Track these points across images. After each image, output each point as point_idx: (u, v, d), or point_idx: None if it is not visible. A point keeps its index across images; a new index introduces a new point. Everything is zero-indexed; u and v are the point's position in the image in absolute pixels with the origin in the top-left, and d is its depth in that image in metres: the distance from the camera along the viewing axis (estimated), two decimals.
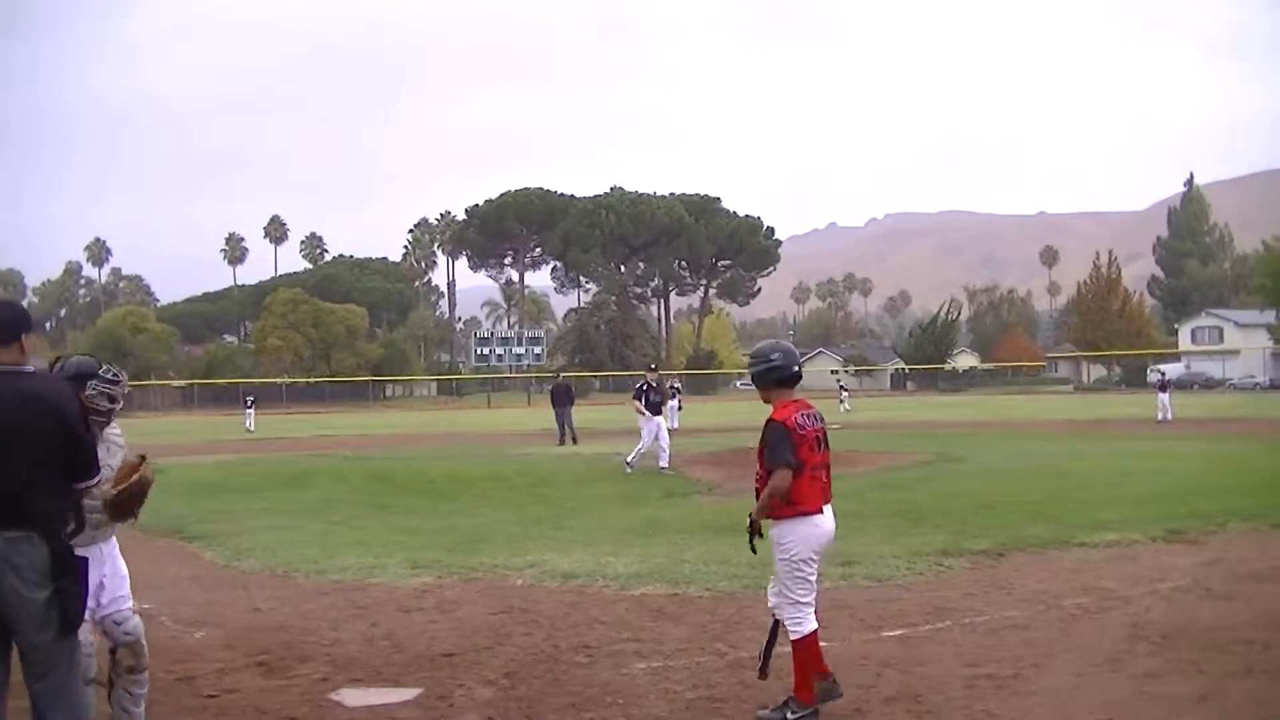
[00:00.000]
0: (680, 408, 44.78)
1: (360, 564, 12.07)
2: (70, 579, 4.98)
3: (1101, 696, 6.77)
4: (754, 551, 6.82)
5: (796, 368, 6.91)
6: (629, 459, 22.78)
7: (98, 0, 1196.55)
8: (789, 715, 6.53)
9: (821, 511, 6.61)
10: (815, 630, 6.59)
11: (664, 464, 22.81)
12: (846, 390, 68.08)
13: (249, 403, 58.23)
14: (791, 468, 6.45)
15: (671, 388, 45.59)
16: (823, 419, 6.83)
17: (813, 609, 6.62)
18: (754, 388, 7.03)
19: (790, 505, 6.50)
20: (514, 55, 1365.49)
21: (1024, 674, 7.29)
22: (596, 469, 24.16)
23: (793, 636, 6.56)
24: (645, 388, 24.36)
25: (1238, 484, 17.42)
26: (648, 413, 23.45)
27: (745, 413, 49.86)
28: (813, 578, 6.63)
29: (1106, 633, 8.31)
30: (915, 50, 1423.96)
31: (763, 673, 6.78)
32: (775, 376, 6.83)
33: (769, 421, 6.66)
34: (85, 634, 5.77)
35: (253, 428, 53.18)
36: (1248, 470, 20.11)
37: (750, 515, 6.65)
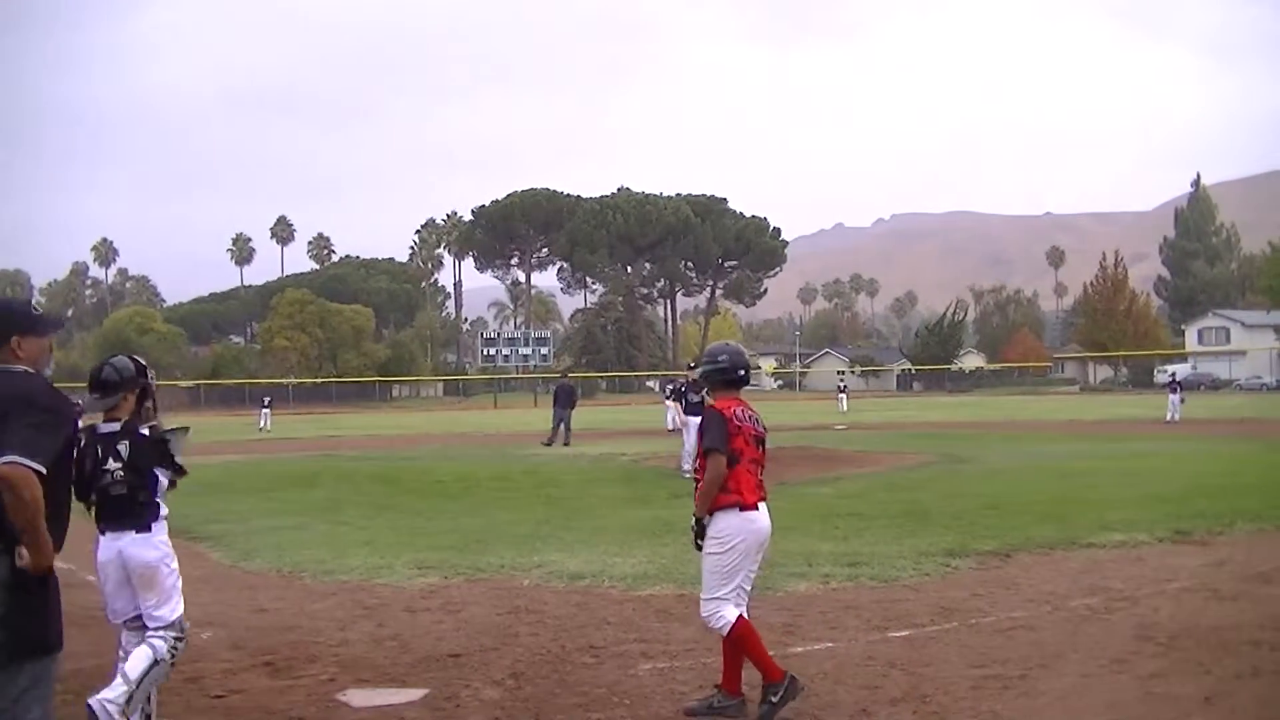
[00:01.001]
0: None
1: (367, 564, 12.07)
2: (27, 596, 4.62)
3: (1108, 697, 6.77)
4: (700, 549, 6.77)
5: (742, 370, 7.02)
6: (684, 467, 21.79)
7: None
8: (715, 704, 6.68)
9: (757, 508, 6.62)
10: (741, 615, 6.60)
11: (687, 466, 22.09)
12: (844, 391, 68.61)
13: (266, 403, 58.42)
14: (724, 454, 6.52)
15: (673, 387, 45.56)
16: (763, 424, 6.90)
17: (732, 603, 6.59)
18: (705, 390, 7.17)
19: (729, 493, 6.54)
20: (521, 56, 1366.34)
21: (1031, 675, 7.29)
22: (603, 469, 24.18)
23: (723, 631, 6.60)
24: (684, 388, 23.03)
25: (1244, 485, 17.43)
26: (685, 417, 22.30)
27: None
28: (734, 574, 6.59)
29: (1113, 633, 8.30)
30: (922, 51, 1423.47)
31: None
32: (721, 378, 6.96)
33: (707, 408, 6.83)
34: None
35: (269, 427, 53.43)
36: (1254, 471, 20.11)
37: (694, 515, 6.71)
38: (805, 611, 9.29)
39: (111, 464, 6.04)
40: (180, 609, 6.23)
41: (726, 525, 6.56)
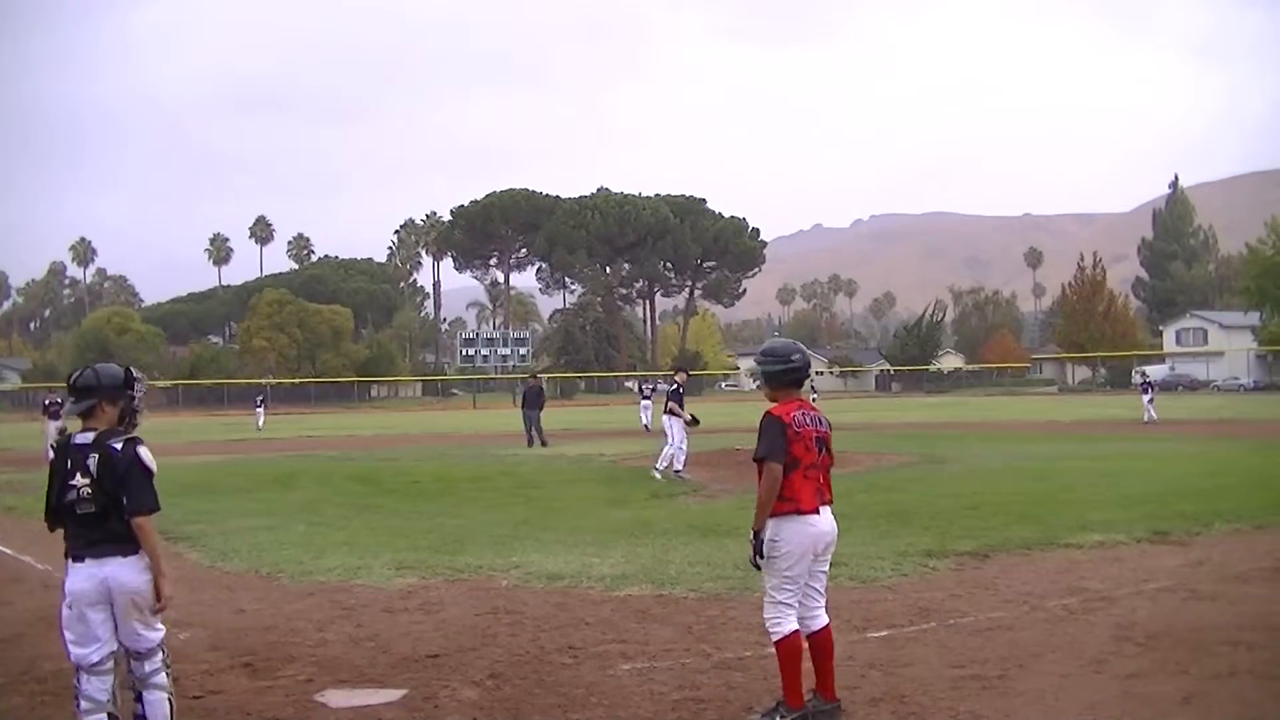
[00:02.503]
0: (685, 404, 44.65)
1: (345, 565, 12.03)
2: None
3: (1087, 697, 6.78)
4: (758, 569, 6.58)
5: (809, 368, 6.91)
6: (678, 469, 21.81)
7: (85, 1, 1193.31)
8: (779, 719, 6.48)
9: (818, 511, 6.47)
10: (797, 631, 6.45)
11: (679, 466, 22.12)
12: (816, 392, 68.85)
13: (259, 401, 58.53)
14: (780, 462, 6.36)
15: (650, 387, 45.70)
16: (826, 423, 6.72)
17: (794, 611, 6.48)
18: (757, 387, 6.92)
19: (787, 501, 6.37)
20: (501, 57, 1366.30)
21: (1009, 675, 7.29)
22: (582, 470, 24.16)
23: (773, 638, 6.46)
24: (679, 390, 23.34)
25: (1223, 485, 17.49)
26: (684, 415, 22.60)
27: (731, 414, 49.91)
28: (799, 580, 6.46)
29: (1092, 634, 8.32)
30: (902, 52, 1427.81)
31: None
32: (790, 378, 6.73)
33: (765, 414, 6.57)
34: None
35: (262, 426, 53.51)
36: (1232, 472, 20.18)
37: (753, 529, 6.47)
38: None
39: (79, 479, 5.66)
40: (162, 628, 5.92)
41: (781, 530, 6.40)
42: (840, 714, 6.58)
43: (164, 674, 5.84)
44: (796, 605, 6.51)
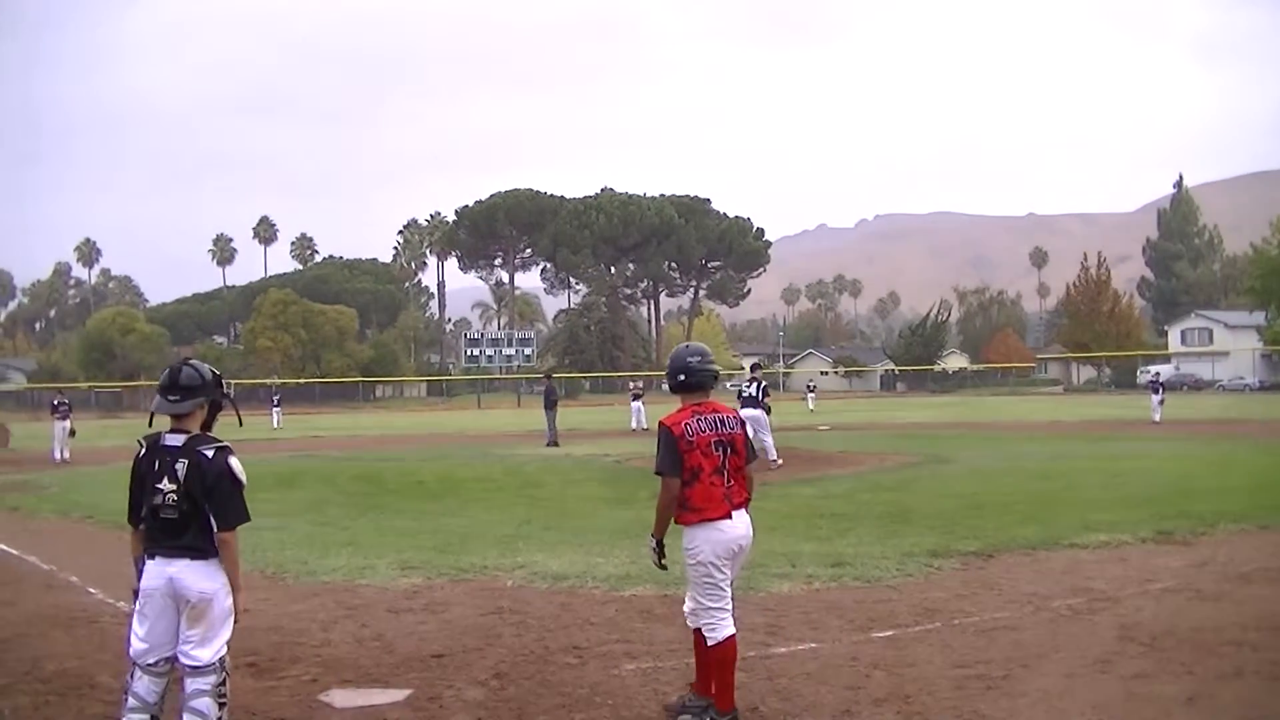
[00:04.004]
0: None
1: (350, 565, 12.04)
2: None
3: (1091, 698, 6.78)
4: (664, 569, 6.77)
5: (704, 371, 6.77)
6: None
7: (87, 1, 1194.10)
8: (686, 703, 6.62)
9: (729, 517, 6.50)
10: (733, 635, 6.53)
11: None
12: (813, 391, 69.34)
13: (276, 401, 58.63)
14: (675, 476, 6.42)
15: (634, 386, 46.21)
16: (731, 423, 6.66)
17: (728, 614, 6.55)
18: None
19: (693, 511, 6.44)
20: (505, 57, 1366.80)
21: (1014, 675, 7.29)
22: (586, 470, 24.15)
23: (709, 642, 6.52)
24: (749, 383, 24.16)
25: (1227, 485, 17.48)
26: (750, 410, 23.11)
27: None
28: (724, 584, 6.55)
29: (1096, 634, 8.31)
30: (905, 53, 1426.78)
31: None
32: (688, 383, 6.74)
33: (660, 423, 6.65)
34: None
35: (279, 425, 53.68)
36: (1237, 472, 20.17)
37: (651, 534, 6.63)
38: (788, 612, 9.28)
39: (166, 484, 5.50)
40: (224, 649, 5.63)
41: (695, 539, 6.49)
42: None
43: (209, 699, 5.52)
44: (730, 607, 6.59)
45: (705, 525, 6.45)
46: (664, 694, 7.06)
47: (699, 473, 6.44)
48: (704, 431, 6.52)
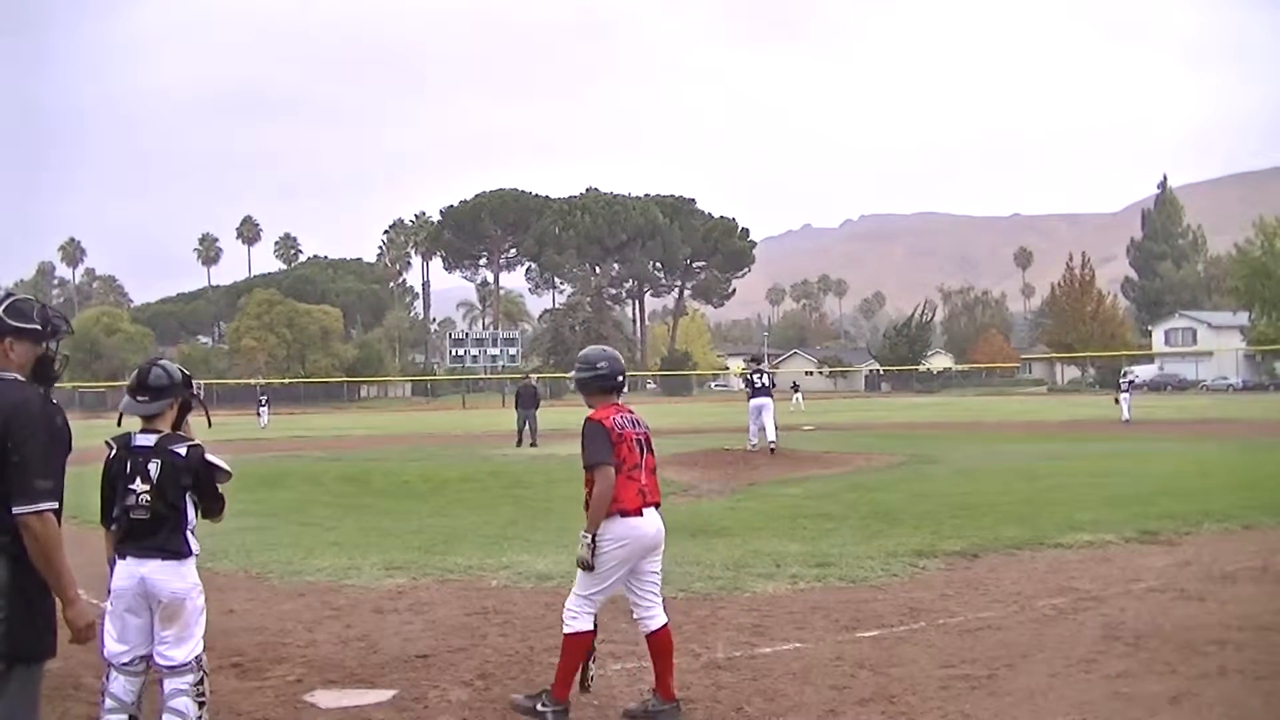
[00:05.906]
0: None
1: (335, 565, 12.02)
2: (26, 601, 4.65)
3: (1075, 697, 6.79)
4: (592, 569, 6.53)
5: (620, 376, 6.93)
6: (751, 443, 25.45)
7: (74, 3, 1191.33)
8: (539, 707, 6.56)
9: (641, 513, 6.53)
10: (591, 632, 6.56)
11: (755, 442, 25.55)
12: (799, 391, 69.45)
13: (263, 400, 58.66)
14: (612, 464, 6.44)
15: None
16: (644, 424, 6.80)
17: (594, 611, 6.59)
18: (589, 393, 6.93)
19: (612, 503, 6.46)
20: (490, 57, 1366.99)
21: (999, 674, 7.30)
22: (571, 470, 24.01)
23: (565, 630, 6.54)
24: (754, 373, 26.50)
25: (1211, 485, 17.55)
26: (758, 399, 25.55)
27: (720, 414, 49.90)
28: (609, 580, 6.56)
29: (1080, 633, 8.33)
30: (890, 53, 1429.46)
31: (584, 685, 6.69)
32: (600, 385, 6.82)
33: (586, 420, 6.67)
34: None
35: (266, 423, 53.64)
36: (1221, 472, 20.25)
37: (584, 533, 6.50)
38: (773, 612, 9.29)
39: (138, 484, 5.50)
40: (199, 647, 5.64)
41: (605, 531, 6.46)
42: (679, 714, 6.65)
43: (187, 699, 5.51)
44: (598, 605, 6.64)
45: (619, 519, 6.46)
46: (648, 694, 7.06)
47: (621, 466, 6.49)
48: (629, 428, 6.61)
